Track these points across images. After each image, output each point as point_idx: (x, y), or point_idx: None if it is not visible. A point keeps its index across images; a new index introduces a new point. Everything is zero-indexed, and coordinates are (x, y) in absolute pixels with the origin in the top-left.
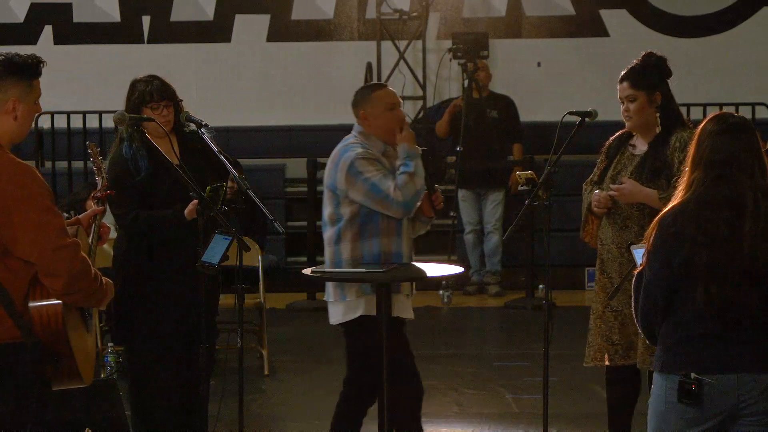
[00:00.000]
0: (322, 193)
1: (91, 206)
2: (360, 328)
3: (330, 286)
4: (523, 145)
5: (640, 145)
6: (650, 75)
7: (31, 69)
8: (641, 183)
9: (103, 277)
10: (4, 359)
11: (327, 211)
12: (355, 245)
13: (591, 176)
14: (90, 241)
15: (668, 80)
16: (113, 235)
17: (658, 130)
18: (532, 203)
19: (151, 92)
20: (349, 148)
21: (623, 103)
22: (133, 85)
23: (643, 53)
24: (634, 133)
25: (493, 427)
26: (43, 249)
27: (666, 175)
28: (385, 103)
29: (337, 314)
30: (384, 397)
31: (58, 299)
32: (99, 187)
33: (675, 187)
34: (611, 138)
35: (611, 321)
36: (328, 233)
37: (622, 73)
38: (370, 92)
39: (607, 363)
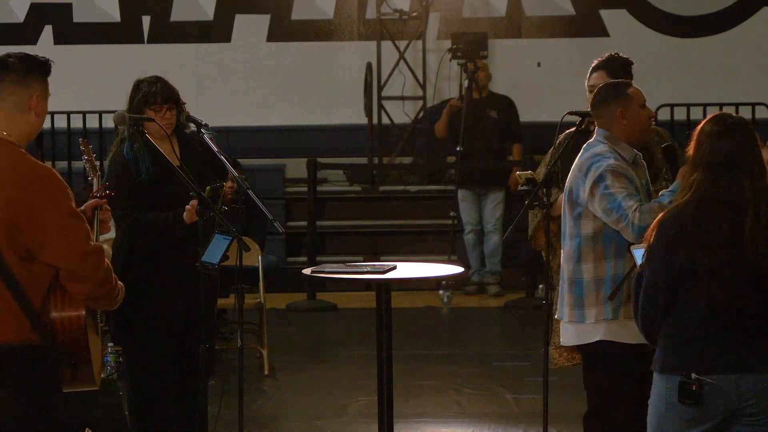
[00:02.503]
0: (322, 193)
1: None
2: (597, 353)
3: (566, 305)
4: (523, 145)
5: None
6: (624, 72)
7: (47, 66)
8: None
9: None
10: (21, 361)
11: (567, 224)
12: (598, 265)
13: (534, 175)
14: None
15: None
16: (112, 235)
17: None
18: (532, 203)
19: (155, 94)
20: (602, 157)
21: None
22: (137, 85)
23: (609, 54)
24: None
25: (493, 427)
26: (72, 255)
27: (653, 171)
28: (639, 100)
29: (571, 335)
30: (384, 395)
31: (81, 303)
32: (95, 188)
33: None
34: (561, 137)
35: None
36: (567, 248)
37: (597, 62)
38: (626, 89)
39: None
